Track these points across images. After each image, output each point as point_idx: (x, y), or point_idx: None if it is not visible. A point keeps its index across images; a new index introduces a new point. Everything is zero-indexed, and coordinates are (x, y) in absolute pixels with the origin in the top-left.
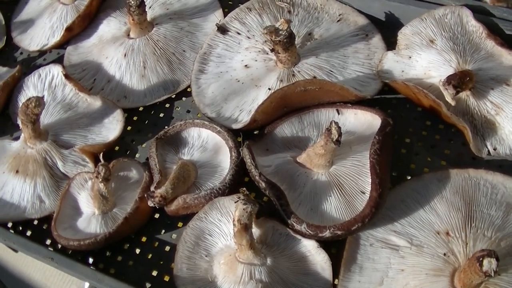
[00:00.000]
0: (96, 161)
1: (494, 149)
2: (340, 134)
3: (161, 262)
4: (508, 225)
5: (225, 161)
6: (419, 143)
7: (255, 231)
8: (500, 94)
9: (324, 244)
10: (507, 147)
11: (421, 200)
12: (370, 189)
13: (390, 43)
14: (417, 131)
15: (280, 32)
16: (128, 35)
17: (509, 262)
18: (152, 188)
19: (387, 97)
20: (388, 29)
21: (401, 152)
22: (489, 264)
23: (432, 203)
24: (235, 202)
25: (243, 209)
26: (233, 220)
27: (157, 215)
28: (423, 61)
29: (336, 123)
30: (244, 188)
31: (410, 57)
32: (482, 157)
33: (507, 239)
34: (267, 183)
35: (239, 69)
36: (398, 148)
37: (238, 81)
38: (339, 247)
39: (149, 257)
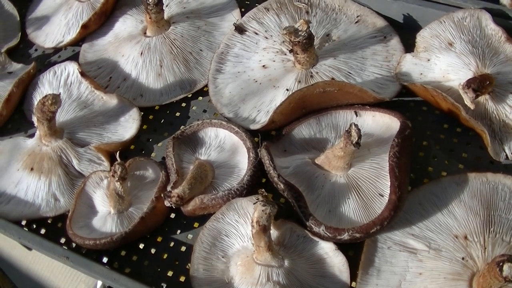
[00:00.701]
0: (111, 160)
1: None
2: (360, 137)
3: (177, 263)
4: None
5: (243, 162)
6: (437, 146)
7: (273, 232)
8: None
9: (341, 246)
10: None
11: (439, 203)
12: (388, 192)
13: (409, 46)
14: (434, 134)
15: (300, 33)
16: (145, 33)
17: None
18: (169, 188)
19: (405, 100)
20: (406, 31)
21: (418, 155)
22: (509, 269)
23: (450, 206)
24: (253, 204)
25: (262, 210)
26: (252, 222)
27: (173, 215)
28: (442, 64)
29: (356, 125)
30: (263, 190)
31: (428, 60)
32: (500, 161)
33: None
34: (285, 185)
35: (257, 69)
36: (415, 151)
37: (256, 81)
38: (357, 249)
39: (165, 257)
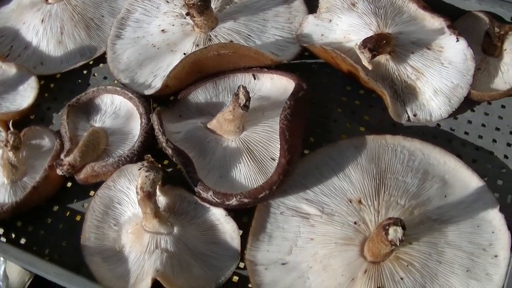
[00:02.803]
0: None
1: (414, 115)
2: (248, 99)
3: (72, 232)
4: (423, 193)
5: (137, 128)
6: (339, 108)
7: (162, 199)
8: (420, 58)
9: (236, 212)
10: (427, 113)
11: (335, 167)
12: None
13: (313, 7)
14: (337, 96)
15: None
16: (47, 0)
17: (421, 230)
18: (61, 156)
19: (308, 62)
20: None
21: (319, 118)
22: (394, 232)
23: (346, 170)
24: (138, 170)
25: (146, 176)
26: (136, 188)
27: (69, 184)
28: (343, 24)
29: (244, 88)
30: (149, 155)
31: (330, 21)
32: (402, 123)
33: (421, 207)
34: (173, 150)
35: (156, 34)
36: (316, 114)
37: (154, 46)
38: (252, 215)
39: (61, 227)
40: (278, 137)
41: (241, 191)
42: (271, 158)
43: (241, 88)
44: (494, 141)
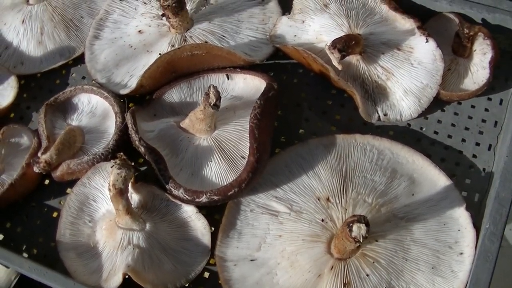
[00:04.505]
0: None
1: (385, 115)
2: (218, 98)
3: (49, 228)
4: (391, 191)
5: (112, 127)
6: (310, 108)
7: (135, 196)
8: (390, 59)
9: (208, 209)
10: (397, 113)
11: (305, 165)
12: None
13: (287, 8)
14: (309, 96)
15: None
16: (28, 1)
17: (388, 228)
18: (38, 154)
19: (282, 62)
20: None
21: (291, 118)
22: (358, 229)
23: (316, 168)
24: (110, 167)
25: (118, 173)
26: (108, 185)
27: (47, 181)
28: (315, 25)
29: (215, 87)
30: (121, 153)
31: (303, 22)
32: (373, 123)
33: (387, 205)
34: (146, 148)
35: (133, 35)
36: (288, 113)
37: (131, 46)
38: (223, 213)
39: (38, 223)
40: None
41: (211, 189)
42: (241, 156)
43: (211, 88)
44: (463, 140)
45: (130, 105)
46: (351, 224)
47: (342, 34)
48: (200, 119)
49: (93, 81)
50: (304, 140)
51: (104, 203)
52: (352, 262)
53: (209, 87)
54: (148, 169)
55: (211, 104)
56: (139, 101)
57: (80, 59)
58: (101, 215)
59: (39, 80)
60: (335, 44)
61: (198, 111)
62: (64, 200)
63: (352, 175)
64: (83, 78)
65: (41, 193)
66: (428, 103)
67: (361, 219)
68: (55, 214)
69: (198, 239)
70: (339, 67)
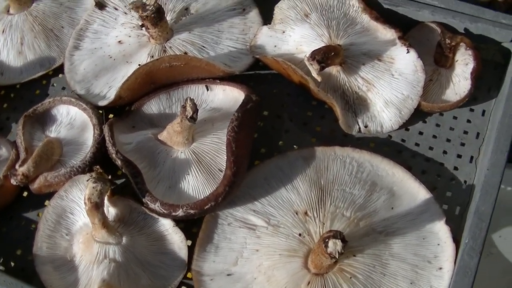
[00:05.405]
0: None
1: (365, 126)
2: (195, 111)
3: (27, 241)
4: (370, 205)
5: (91, 139)
6: (291, 119)
7: (112, 210)
8: (371, 70)
9: (186, 223)
10: (378, 124)
11: (284, 178)
12: None
13: (268, 18)
14: (289, 107)
15: (147, 7)
16: (8, 11)
17: (366, 242)
18: (16, 166)
19: (262, 73)
20: (266, 4)
21: (271, 129)
22: (334, 245)
23: (294, 182)
24: (86, 181)
25: (93, 187)
26: (84, 199)
27: (25, 194)
28: (296, 35)
29: (192, 100)
30: (98, 166)
31: (284, 32)
32: (353, 135)
33: (366, 219)
34: (123, 161)
35: (113, 45)
36: (268, 125)
37: (111, 57)
38: (201, 226)
39: (16, 236)
40: None
41: (187, 203)
42: (218, 169)
43: (188, 100)
44: (445, 152)
45: (110, 116)
46: (327, 240)
47: (322, 44)
48: (178, 131)
49: (72, 92)
50: (283, 152)
51: (81, 216)
52: (329, 277)
53: (186, 100)
54: (126, 181)
55: (188, 117)
56: (119, 112)
57: (60, 70)
58: (78, 228)
59: (19, 90)
60: (314, 55)
61: (175, 123)
62: (41, 213)
63: (331, 188)
64: (63, 88)
65: (19, 205)
66: (409, 114)
67: (337, 235)
68: (33, 227)
69: (175, 253)
70: (319, 79)
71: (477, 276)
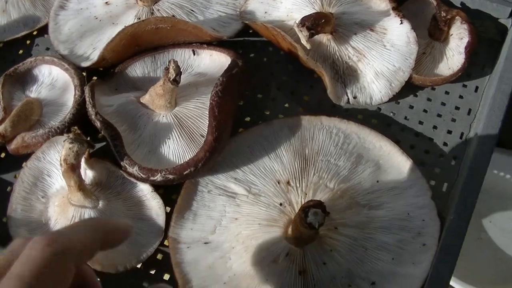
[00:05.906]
0: None
1: (354, 97)
2: (178, 73)
3: (2, 203)
4: (354, 177)
5: (72, 100)
6: (278, 88)
7: (89, 172)
8: (363, 40)
9: (165, 189)
10: (367, 96)
11: (268, 147)
12: None
13: None
14: (278, 75)
15: None
16: None
17: (349, 215)
18: None
19: (252, 40)
20: None
21: (258, 97)
22: (314, 216)
23: (278, 151)
24: (63, 141)
25: (69, 148)
26: (60, 160)
27: (3, 155)
28: (287, 2)
29: (175, 62)
30: (76, 127)
31: None
32: (341, 105)
33: (350, 192)
34: (102, 123)
35: (99, 6)
36: (255, 93)
37: (96, 18)
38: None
39: None
40: None
41: (166, 167)
42: (200, 134)
43: (171, 62)
44: (435, 127)
45: (93, 79)
46: (307, 209)
47: (314, 12)
48: (160, 94)
49: (56, 52)
50: (269, 120)
51: (58, 178)
52: (309, 250)
53: (169, 62)
54: (107, 146)
55: (171, 79)
56: (104, 75)
57: (45, 29)
58: (55, 191)
59: (1, 50)
60: (304, 21)
61: (157, 86)
62: (18, 174)
63: (315, 158)
64: (47, 49)
65: None
66: (400, 87)
67: (317, 205)
68: (10, 188)
69: (152, 219)
70: (308, 46)
71: (467, 261)
